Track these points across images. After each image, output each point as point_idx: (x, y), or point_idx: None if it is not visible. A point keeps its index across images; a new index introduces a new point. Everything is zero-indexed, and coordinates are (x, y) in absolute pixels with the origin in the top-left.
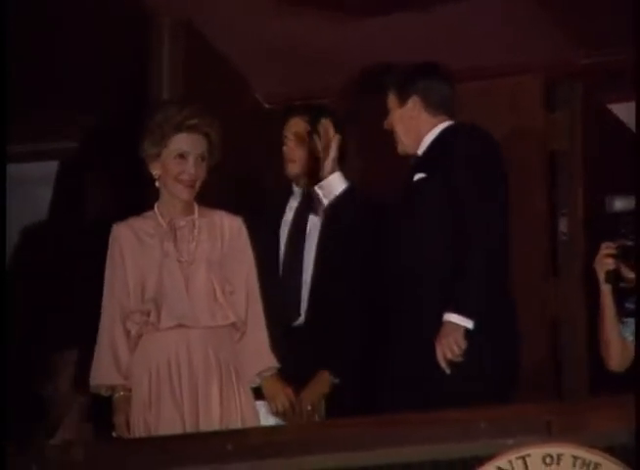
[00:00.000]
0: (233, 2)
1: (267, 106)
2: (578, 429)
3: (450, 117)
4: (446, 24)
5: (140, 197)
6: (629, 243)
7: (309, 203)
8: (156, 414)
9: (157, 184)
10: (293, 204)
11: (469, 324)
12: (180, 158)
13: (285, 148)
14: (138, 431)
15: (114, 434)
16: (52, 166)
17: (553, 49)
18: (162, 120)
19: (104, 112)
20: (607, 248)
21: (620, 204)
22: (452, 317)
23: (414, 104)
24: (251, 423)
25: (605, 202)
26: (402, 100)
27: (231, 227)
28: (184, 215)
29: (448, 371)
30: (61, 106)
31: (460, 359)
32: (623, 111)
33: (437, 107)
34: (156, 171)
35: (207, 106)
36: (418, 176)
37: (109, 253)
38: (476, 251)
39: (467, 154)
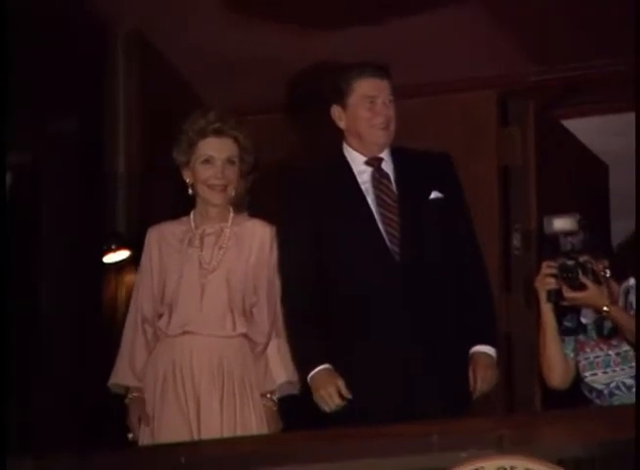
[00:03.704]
0: (186, 15)
1: None
2: (530, 442)
3: None
4: (399, 39)
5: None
6: (570, 262)
7: None
8: (159, 420)
9: (189, 191)
10: None
11: (495, 356)
12: (207, 163)
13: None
14: (143, 436)
15: (129, 435)
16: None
17: (506, 65)
18: (187, 128)
19: (58, 123)
20: (548, 267)
21: (559, 223)
22: (489, 350)
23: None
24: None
25: (543, 221)
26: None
27: (262, 236)
28: (217, 223)
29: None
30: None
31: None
32: (576, 126)
33: None
34: (188, 179)
35: (163, 122)
36: (435, 195)
37: (142, 256)
38: (487, 280)
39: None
